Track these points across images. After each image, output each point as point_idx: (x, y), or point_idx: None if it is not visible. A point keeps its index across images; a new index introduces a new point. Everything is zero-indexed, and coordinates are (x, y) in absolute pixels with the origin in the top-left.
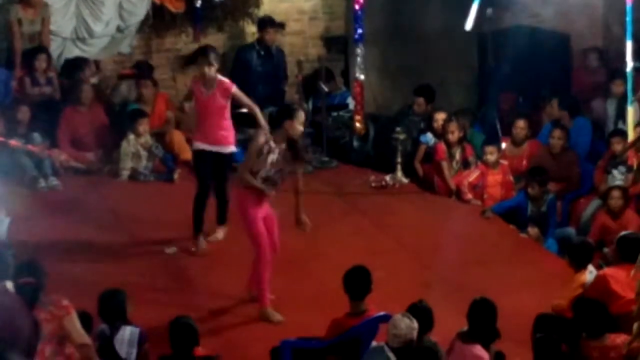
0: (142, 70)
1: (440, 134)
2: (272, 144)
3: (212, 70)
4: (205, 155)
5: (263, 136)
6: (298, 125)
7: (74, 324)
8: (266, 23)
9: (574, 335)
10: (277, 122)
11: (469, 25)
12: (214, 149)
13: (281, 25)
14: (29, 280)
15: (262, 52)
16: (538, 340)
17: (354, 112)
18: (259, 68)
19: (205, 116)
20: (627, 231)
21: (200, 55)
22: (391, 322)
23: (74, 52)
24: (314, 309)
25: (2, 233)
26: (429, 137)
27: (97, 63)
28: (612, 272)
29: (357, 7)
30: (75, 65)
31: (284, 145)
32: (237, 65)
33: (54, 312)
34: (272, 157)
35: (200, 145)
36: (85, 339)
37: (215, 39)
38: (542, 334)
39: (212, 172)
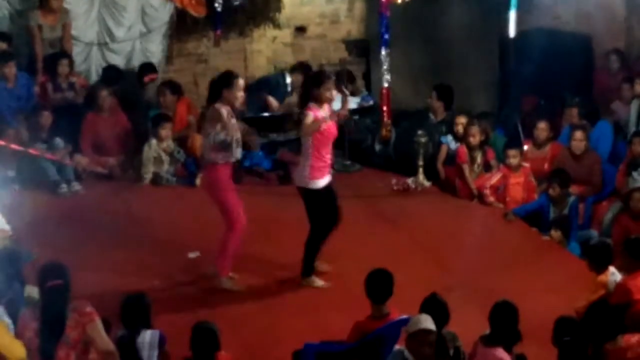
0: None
1: (462, 138)
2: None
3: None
4: (327, 190)
5: (224, 109)
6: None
7: (98, 331)
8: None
9: (595, 338)
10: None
11: (511, 32)
12: (328, 180)
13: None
14: (57, 282)
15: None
16: (564, 344)
17: (380, 118)
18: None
19: (325, 146)
20: None
21: (327, 78)
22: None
23: (99, 57)
24: (336, 312)
25: None
26: (450, 139)
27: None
28: (633, 281)
29: (382, 11)
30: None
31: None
32: None
33: (78, 319)
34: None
35: (321, 182)
36: (110, 346)
37: (237, 44)
38: (562, 336)
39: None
